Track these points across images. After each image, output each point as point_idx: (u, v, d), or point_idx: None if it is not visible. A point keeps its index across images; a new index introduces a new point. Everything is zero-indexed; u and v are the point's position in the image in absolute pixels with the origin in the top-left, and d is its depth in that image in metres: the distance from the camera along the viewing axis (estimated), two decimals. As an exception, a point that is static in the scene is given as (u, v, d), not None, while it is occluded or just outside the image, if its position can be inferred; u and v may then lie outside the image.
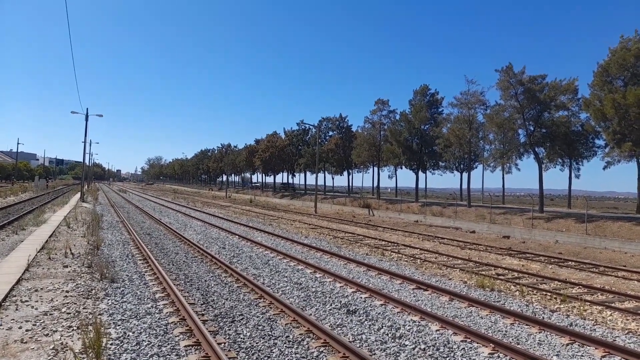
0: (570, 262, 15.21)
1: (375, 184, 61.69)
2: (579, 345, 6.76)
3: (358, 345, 6.52)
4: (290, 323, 7.36)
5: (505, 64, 34.79)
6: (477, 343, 6.69)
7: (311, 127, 60.91)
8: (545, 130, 34.42)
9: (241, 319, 7.55)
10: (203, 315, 7.68)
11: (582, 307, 9.06)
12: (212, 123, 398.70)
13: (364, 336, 6.96)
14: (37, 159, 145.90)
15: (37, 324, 6.72)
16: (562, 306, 9.20)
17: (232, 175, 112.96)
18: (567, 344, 6.79)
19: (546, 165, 38.15)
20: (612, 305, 9.18)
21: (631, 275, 13.15)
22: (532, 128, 35.00)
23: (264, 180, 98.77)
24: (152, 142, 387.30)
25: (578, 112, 34.47)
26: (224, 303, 8.52)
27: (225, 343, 6.36)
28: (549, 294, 10.15)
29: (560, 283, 11.48)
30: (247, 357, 5.92)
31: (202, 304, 8.41)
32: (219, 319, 7.56)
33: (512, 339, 6.99)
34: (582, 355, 6.36)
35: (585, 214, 27.50)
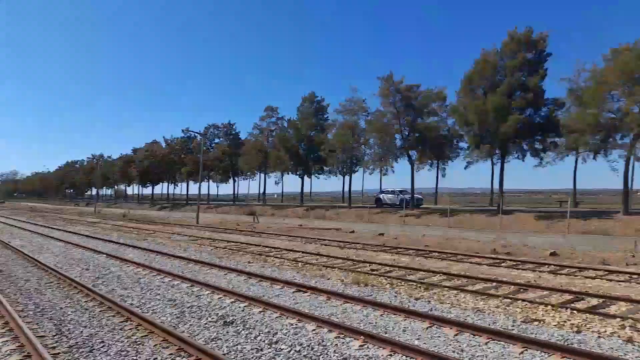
0: (434, 253, 16.82)
1: (262, 191, 61.60)
2: (436, 327, 7.44)
3: (233, 357, 6.30)
4: (160, 343, 6.84)
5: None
6: (350, 337, 6.95)
7: (196, 134, 58.32)
8: (418, 134, 37.97)
9: (102, 347, 6.79)
10: (54, 347, 6.74)
11: (441, 293, 10.03)
12: (81, 134, 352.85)
13: (239, 346, 6.76)
14: None
15: None
16: (425, 293, 10.08)
17: (104, 188, 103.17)
18: (427, 328, 7.43)
19: (417, 167, 42.17)
20: (466, 288, 10.34)
21: (482, 261, 15.02)
22: (407, 132, 38.34)
23: (140, 193, 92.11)
24: (5, 156, 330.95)
25: (446, 118, 38.81)
26: (81, 331, 7.58)
27: (79, 376, 5.64)
28: (415, 283, 11.07)
29: (425, 272, 12.61)
30: (104, 388, 5.31)
31: (54, 335, 7.37)
32: (74, 349, 6.70)
33: (381, 329, 7.42)
34: (438, 336, 7.00)
35: (447, 209, 30.86)
